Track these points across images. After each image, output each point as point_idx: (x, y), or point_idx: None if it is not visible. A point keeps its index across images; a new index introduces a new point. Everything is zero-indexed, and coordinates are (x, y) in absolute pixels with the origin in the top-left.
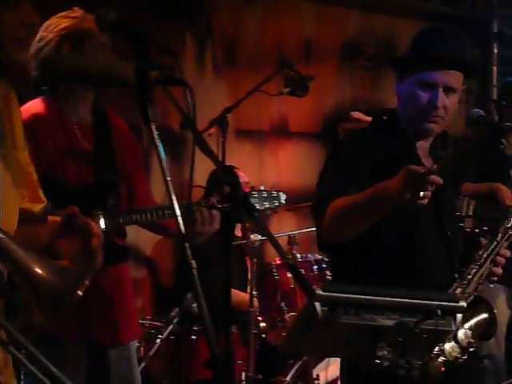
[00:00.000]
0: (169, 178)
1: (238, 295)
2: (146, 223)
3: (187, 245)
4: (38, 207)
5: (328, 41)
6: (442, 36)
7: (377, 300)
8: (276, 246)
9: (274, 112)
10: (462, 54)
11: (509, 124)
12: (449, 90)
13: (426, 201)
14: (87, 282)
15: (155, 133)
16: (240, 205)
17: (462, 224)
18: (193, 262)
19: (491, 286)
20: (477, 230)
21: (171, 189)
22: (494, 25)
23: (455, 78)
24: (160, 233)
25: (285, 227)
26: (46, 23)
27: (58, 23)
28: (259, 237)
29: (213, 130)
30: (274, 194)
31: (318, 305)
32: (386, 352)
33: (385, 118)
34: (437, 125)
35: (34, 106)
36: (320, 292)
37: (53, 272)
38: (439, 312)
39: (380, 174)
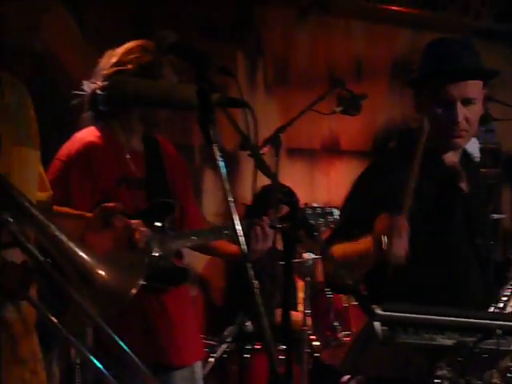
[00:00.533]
0: (231, 198)
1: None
2: (202, 244)
3: (249, 265)
4: (45, 195)
5: (379, 59)
6: (448, 48)
7: (436, 319)
8: (335, 265)
9: (325, 130)
10: (472, 62)
11: None
12: (467, 101)
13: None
14: (141, 281)
15: (217, 154)
16: (299, 225)
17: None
18: (255, 281)
19: None
20: None
21: (233, 208)
22: None
23: (471, 88)
24: (211, 254)
25: None
26: (123, 49)
27: (133, 51)
28: (312, 255)
29: (266, 149)
30: (328, 210)
31: (377, 324)
32: (445, 372)
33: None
34: (462, 139)
35: (89, 134)
36: (380, 311)
37: (109, 270)
38: (499, 332)
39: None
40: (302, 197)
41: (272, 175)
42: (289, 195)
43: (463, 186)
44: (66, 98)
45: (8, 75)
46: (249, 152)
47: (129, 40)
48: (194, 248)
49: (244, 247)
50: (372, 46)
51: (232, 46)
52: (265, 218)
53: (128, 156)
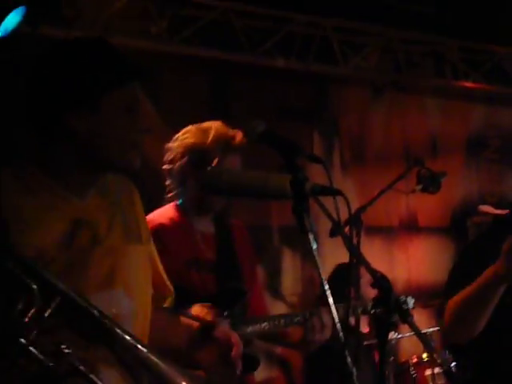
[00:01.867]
0: (327, 287)
1: None
2: (272, 331)
3: (347, 353)
4: (167, 302)
5: (454, 135)
6: None
7: None
8: (428, 345)
9: (402, 207)
10: None
11: None
12: None
13: None
14: None
15: (312, 243)
16: (393, 309)
17: None
18: (353, 370)
19: None
20: None
21: (330, 297)
22: None
23: None
24: (276, 342)
25: (418, 324)
26: (213, 133)
27: (223, 135)
28: (395, 335)
29: (346, 229)
30: (402, 299)
31: None
32: None
33: None
34: None
35: (167, 212)
36: None
37: None
38: None
39: None
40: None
41: (362, 258)
42: (382, 280)
43: None
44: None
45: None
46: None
47: (204, 120)
48: (260, 336)
49: (340, 334)
50: (447, 122)
51: (308, 126)
52: (324, 309)
53: (199, 236)
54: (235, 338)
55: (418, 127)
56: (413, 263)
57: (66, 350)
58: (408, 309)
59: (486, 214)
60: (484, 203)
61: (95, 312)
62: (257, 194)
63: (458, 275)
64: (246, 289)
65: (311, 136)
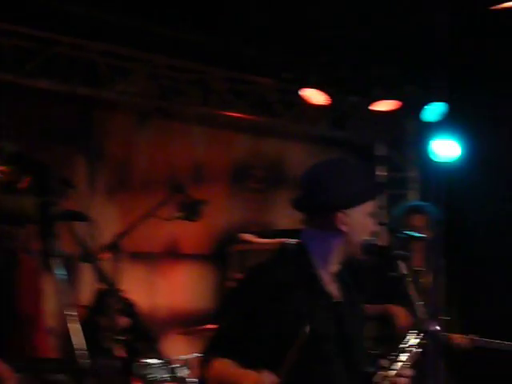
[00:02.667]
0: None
1: None
2: None
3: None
4: None
5: (218, 163)
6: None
7: None
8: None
9: (165, 234)
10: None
11: (399, 252)
12: None
13: None
14: None
15: (58, 266)
16: (142, 336)
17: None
18: None
19: None
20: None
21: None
22: (378, 148)
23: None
24: None
25: (178, 350)
26: None
27: None
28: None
29: (106, 255)
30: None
31: None
32: None
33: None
34: None
35: None
36: None
37: None
38: None
39: (283, 303)
40: (144, 300)
41: (113, 286)
42: (129, 306)
43: None
44: None
45: None
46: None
47: None
48: None
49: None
50: (212, 150)
51: (72, 150)
52: None
53: None
54: None
55: (183, 154)
56: (175, 290)
57: None
58: (155, 337)
59: (247, 242)
60: (247, 232)
61: None
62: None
63: (228, 302)
64: None
65: (74, 160)
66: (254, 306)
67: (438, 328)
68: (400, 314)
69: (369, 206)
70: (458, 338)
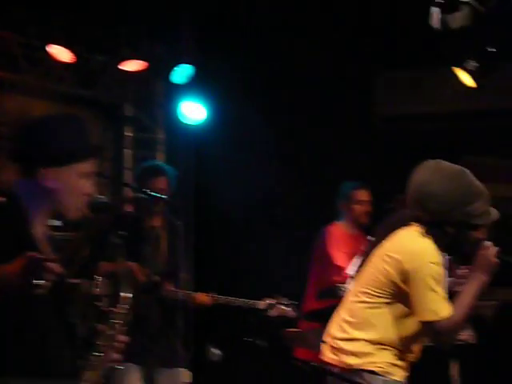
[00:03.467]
0: None
1: None
2: None
3: None
4: None
5: None
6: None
7: None
8: None
9: None
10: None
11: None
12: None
13: (42, 290)
14: None
15: None
16: None
17: None
18: None
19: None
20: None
21: None
22: (127, 108)
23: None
24: None
25: None
26: None
27: None
28: None
29: None
30: None
31: None
32: None
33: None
34: None
35: None
36: None
37: None
38: None
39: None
40: None
41: None
42: None
43: None
44: None
45: None
46: None
47: None
48: None
49: None
50: None
51: None
52: None
53: None
54: None
55: None
56: None
57: None
58: None
59: None
60: None
61: None
62: None
63: None
64: None
65: None
66: None
67: (173, 288)
68: (136, 270)
69: (83, 167)
70: (201, 296)
